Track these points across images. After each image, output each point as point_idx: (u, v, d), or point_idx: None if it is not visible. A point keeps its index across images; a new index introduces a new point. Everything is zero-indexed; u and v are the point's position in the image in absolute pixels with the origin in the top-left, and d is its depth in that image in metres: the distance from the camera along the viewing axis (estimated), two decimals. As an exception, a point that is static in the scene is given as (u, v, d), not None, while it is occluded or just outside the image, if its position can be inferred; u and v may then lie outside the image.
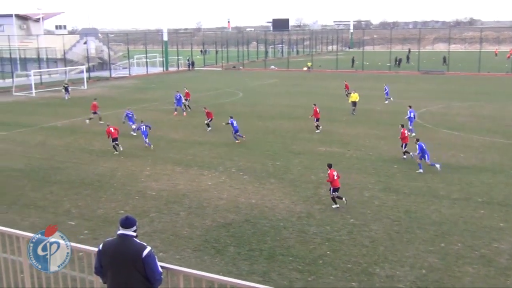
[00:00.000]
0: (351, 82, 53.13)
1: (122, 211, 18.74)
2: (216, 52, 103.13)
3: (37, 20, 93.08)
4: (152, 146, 28.78)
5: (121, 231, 7.10)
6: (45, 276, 8.31)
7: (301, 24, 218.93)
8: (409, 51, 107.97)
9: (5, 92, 57.69)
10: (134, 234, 7.13)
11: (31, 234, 8.01)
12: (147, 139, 28.95)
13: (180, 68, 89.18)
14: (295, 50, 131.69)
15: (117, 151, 27.86)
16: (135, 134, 32.19)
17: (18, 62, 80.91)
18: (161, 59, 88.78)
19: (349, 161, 25.68)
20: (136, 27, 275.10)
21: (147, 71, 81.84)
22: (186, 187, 21.57)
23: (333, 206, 18.87)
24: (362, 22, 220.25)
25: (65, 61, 76.09)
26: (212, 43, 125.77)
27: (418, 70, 77.30)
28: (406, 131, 25.84)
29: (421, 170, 23.17)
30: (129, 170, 24.47)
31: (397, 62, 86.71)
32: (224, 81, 66.82)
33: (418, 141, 23.67)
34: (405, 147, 25.52)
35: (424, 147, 23.26)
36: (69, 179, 23.15)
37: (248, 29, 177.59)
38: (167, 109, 42.85)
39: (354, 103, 38.94)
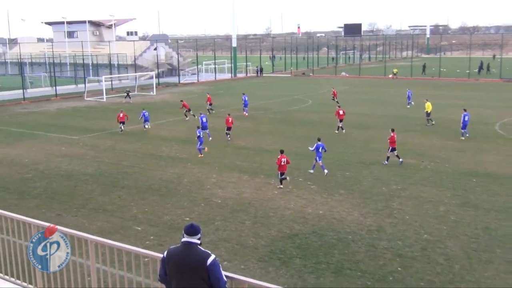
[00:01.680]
0: (423, 89, 51.69)
1: (188, 218, 19.07)
2: (285, 58, 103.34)
3: (110, 27, 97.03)
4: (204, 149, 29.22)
5: (186, 239, 7.20)
6: (111, 280, 8.57)
7: (374, 29, 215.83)
8: (494, 57, 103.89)
9: (78, 97, 60.35)
10: (199, 242, 7.20)
11: (99, 238, 8.29)
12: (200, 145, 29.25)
13: (249, 75, 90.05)
14: (367, 56, 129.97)
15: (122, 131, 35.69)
16: (147, 127, 37.66)
17: (90, 67, 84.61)
18: (230, 65, 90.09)
19: (423, 173, 24.97)
20: (205, 33, 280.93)
21: (215, 77, 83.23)
22: (252, 196, 21.68)
23: (278, 186, 22.67)
24: (440, 27, 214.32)
25: (135, 67, 78.74)
26: (281, 49, 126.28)
27: (500, 78, 74.20)
28: (395, 136, 26.50)
29: None
30: (195, 176, 24.90)
31: (482, 69, 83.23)
32: (293, 88, 66.84)
33: None
34: (391, 150, 26.45)
35: None
36: (137, 184, 23.84)
37: (318, 35, 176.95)
38: (234, 116, 43.30)
39: (428, 113, 37.99)
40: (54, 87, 63.52)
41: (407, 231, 17.58)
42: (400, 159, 26.63)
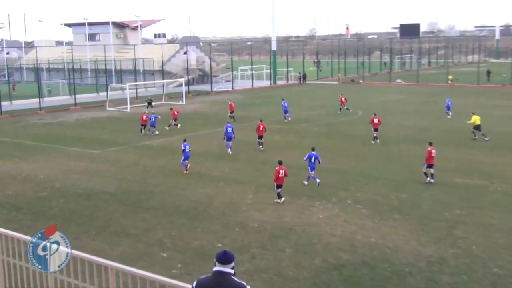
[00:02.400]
0: (485, 98, 50.74)
1: (220, 245, 19.11)
2: (332, 63, 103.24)
3: (135, 28, 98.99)
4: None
5: (218, 268, 7.19)
6: (133, 313, 8.62)
7: (435, 30, 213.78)
8: None
9: (99, 106, 61.56)
10: (232, 271, 7.19)
11: (121, 265, 8.37)
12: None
13: (290, 82, 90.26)
14: (426, 60, 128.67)
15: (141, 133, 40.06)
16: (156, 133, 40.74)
17: (113, 74, 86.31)
18: (269, 71, 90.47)
19: (493, 196, 24.44)
20: (241, 35, 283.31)
21: (252, 85, 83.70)
22: (293, 220, 21.61)
23: (275, 201, 23.80)
24: (511, 27, 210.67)
25: (163, 73, 79.98)
26: (327, 52, 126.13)
27: None
28: (434, 151, 26.56)
29: None
30: (228, 197, 24.99)
31: None
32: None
33: None
34: (427, 167, 26.60)
35: None
36: (163, 205, 24.07)
37: (370, 36, 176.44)
38: (273, 128, 43.38)
39: (477, 127, 37.53)
40: (73, 96, 65.02)
41: (473, 264, 17.19)
42: (430, 179, 26.71)
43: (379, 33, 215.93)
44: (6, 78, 78.63)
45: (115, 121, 50.78)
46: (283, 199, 23.93)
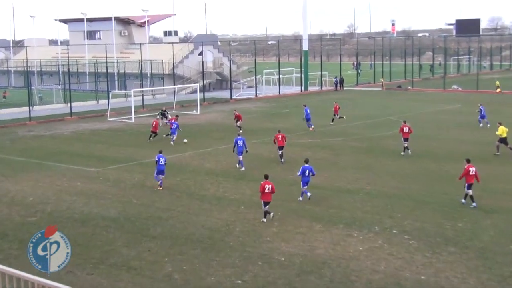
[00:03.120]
0: None
1: (240, 281, 19.07)
2: (375, 65, 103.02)
3: (142, 25, 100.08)
4: None
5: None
6: None
7: (498, 27, 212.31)
8: None
9: (99, 116, 62.14)
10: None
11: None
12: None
13: (324, 88, 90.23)
14: (488, 63, 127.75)
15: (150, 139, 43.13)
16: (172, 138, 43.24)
17: (116, 78, 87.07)
18: (299, 75, 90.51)
19: None
20: (266, 33, 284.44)
21: (279, 92, 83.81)
22: (327, 252, 21.49)
23: (261, 220, 25.08)
24: None
25: (174, 77, 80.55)
26: (369, 53, 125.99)
27: None
28: (472, 169, 27.02)
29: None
30: (250, 224, 24.94)
31: None
32: (385, 106, 66.37)
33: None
34: (468, 188, 27.02)
35: None
36: (173, 233, 24.09)
37: (420, 34, 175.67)
38: (304, 143, 43.33)
39: (503, 140, 38.09)
40: (68, 104, 65.61)
41: (545, 308, 16.87)
42: (464, 200, 27.21)
43: (431, 30, 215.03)
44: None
45: (118, 133, 51.14)
46: (272, 214, 25.33)
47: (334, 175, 33.62)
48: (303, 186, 28.22)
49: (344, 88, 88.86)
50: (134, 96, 62.45)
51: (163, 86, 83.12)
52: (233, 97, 77.63)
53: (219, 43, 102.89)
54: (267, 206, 25.26)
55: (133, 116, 58.40)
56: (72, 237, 23.53)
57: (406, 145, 38.78)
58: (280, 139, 36.90)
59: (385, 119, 55.61)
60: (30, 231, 24.60)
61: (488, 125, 48.54)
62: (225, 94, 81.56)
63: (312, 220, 25.34)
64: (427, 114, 57.83)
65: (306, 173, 28.06)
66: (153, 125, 45.50)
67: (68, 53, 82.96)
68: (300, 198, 28.38)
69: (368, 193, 29.57)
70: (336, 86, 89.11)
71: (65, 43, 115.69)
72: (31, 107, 62.77)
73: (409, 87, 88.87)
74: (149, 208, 27.73)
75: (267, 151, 40.34)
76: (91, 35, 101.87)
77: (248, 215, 26.24)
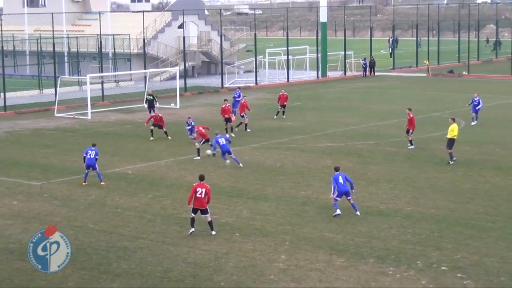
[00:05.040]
0: None
1: (233, 335, 19.11)
2: (418, 43, 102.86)
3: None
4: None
5: None
6: None
7: None
8: None
9: (43, 111, 62.13)
10: None
11: None
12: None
13: (349, 74, 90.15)
14: None
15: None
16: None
17: (66, 59, 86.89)
18: (314, 55, 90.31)
19: None
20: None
21: (288, 78, 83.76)
22: (352, 296, 21.51)
23: (189, 232, 27.29)
24: None
25: (144, 58, 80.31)
26: (409, 27, 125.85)
27: None
28: None
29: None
30: (248, 258, 24.90)
31: None
32: (430, 98, 66.62)
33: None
34: None
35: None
36: (143, 269, 24.03)
37: (479, 1, 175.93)
38: (323, 148, 43.32)
39: (451, 143, 39.16)
40: (1, 94, 65.29)
41: None
42: None
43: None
44: None
45: (69, 135, 51.12)
46: (212, 231, 27.20)
47: (363, 192, 33.52)
48: (340, 197, 29.21)
49: (376, 74, 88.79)
50: (91, 83, 62.44)
51: (130, 70, 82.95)
52: (225, 85, 77.49)
53: (206, 13, 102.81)
54: (204, 216, 27.00)
55: (89, 110, 58.28)
56: (7, 275, 23.65)
57: (408, 137, 42.77)
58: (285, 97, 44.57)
59: (430, 115, 55.57)
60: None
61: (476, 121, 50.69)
62: (214, 81, 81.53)
63: (332, 252, 25.28)
64: (489, 110, 57.82)
65: (341, 181, 29.12)
66: (157, 117, 47.12)
67: (1, 25, 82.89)
68: (337, 212, 29.20)
69: (408, 216, 29.51)
70: (365, 70, 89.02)
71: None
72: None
73: (464, 72, 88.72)
74: (111, 236, 27.68)
75: (271, 159, 40.33)
76: (33, 1, 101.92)
77: (245, 245, 26.19)
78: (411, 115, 42.98)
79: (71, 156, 43.09)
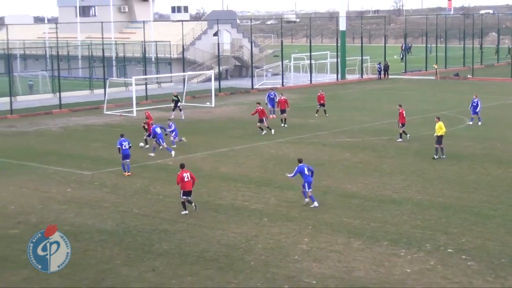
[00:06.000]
0: None
1: (262, 308, 19.09)
2: (429, 49, 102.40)
3: (145, 0, 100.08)
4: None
5: None
6: None
7: None
8: None
9: (94, 109, 62.43)
10: None
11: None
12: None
13: (365, 76, 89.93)
14: None
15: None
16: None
17: (114, 63, 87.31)
18: (335, 60, 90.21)
19: None
20: (295, 10, 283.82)
21: (310, 80, 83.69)
22: (368, 275, 21.50)
23: (182, 213, 28.24)
24: None
25: (183, 62, 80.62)
26: (419, 34, 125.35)
27: None
28: None
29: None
30: (275, 240, 24.98)
31: None
32: (439, 99, 66.20)
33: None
34: None
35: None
36: (181, 250, 24.20)
37: (483, 11, 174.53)
38: (342, 143, 43.28)
39: (439, 139, 38.59)
40: (57, 94, 66.08)
41: None
42: None
43: (496, 6, 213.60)
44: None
45: (116, 130, 51.12)
46: (194, 204, 28.53)
47: (377, 182, 33.52)
48: (308, 188, 29.17)
49: (390, 77, 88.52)
50: (136, 85, 62.60)
51: (171, 73, 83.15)
52: (254, 87, 77.49)
53: (238, 22, 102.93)
54: (190, 197, 28.37)
55: (134, 108, 58.53)
56: (62, 254, 23.80)
57: (401, 131, 43.45)
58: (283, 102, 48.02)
59: (439, 114, 55.24)
60: (11, 246, 24.90)
61: (470, 122, 50.01)
62: (245, 83, 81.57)
63: (350, 235, 25.33)
64: (490, 109, 57.40)
65: (306, 172, 29.18)
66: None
67: (56, 33, 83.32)
68: (307, 200, 29.43)
69: (418, 203, 29.47)
70: (380, 74, 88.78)
71: (53, 21, 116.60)
72: (12, 98, 62.86)
73: (469, 76, 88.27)
74: (154, 220, 27.87)
75: (295, 153, 40.30)
76: (85, 11, 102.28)
77: (272, 229, 26.28)
78: (401, 110, 43.27)
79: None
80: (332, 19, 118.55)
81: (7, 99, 62.27)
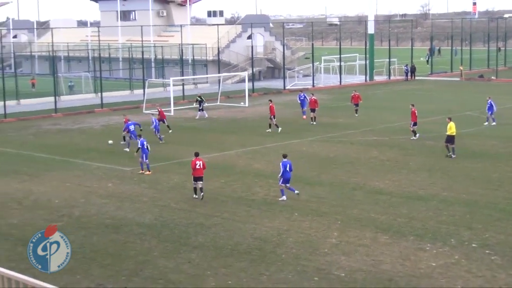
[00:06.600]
0: None
1: (293, 299, 19.09)
2: (453, 52, 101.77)
3: (183, 4, 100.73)
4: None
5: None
6: None
7: None
8: None
9: (134, 108, 62.64)
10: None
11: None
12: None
13: (393, 78, 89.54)
14: None
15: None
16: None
17: (153, 65, 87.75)
18: (363, 62, 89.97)
19: None
20: (325, 13, 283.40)
21: (340, 81, 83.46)
22: (394, 268, 21.42)
23: (194, 196, 29.92)
24: None
25: (218, 64, 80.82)
26: (445, 37, 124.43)
27: None
28: None
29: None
30: (305, 234, 24.98)
31: None
32: (464, 99, 65.80)
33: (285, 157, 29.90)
34: None
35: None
36: (216, 243, 24.28)
37: (507, 15, 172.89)
38: (369, 141, 43.16)
39: (450, 139, 38.43)
40: (99, 94, 66.66)
41: None
42: None
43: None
44: (13, 70, 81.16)
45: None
46: (202, 194, 29.57)
47: (404, 179, 33.40)
48: (285, 183, 29.41)
49: (416, 78, 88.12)
50: (174, 85, 62.84)
51: (207, 74, 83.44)
52: (286, 87, 77.55)
53: (271, 25, 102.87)
54: (200, 183, 29.69)
55: (172, 108, 58.76)
56: (103, 246, 24.08)
57: (414, 128, 43.67)
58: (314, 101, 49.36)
59: (464, 114, 54.94)
60: (55, 238, 25.11)
61: (486, 123, 49.62)
62: (277, 83, 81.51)
63: (377, 230, 25.26)
64: (514, 109, 57.07)
65: (288, 169, 29.40)
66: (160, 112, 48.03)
67: (99, 36, 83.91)
68: (284, 197, 29.45)
69: (443, 200, 29.31)
70: (407, 75, 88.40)
71: (95, 24, 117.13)
72: (57, 98, 63.59)
73: (493, 77, 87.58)
74: (190, 214, 27.98)
75: (325, 151, 40.30)
76: (125, 15, 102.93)
77: (303, 224, 26.27)
78: (413, 109, 43.66)
79: (156, 146, 43.49)
80: (361, 22, 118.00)
81: (52, 98, 63.12)
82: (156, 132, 44.05)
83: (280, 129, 46.88)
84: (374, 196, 30.16)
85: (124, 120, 44.09)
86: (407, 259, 22.23)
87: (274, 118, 47.51)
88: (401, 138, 44.22)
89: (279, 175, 29.53)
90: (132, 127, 41.40)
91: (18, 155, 41.74)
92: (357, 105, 54.70)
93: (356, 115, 53.90)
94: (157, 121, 44.77)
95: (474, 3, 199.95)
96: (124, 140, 42.81)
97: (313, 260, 22.23)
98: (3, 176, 35.76)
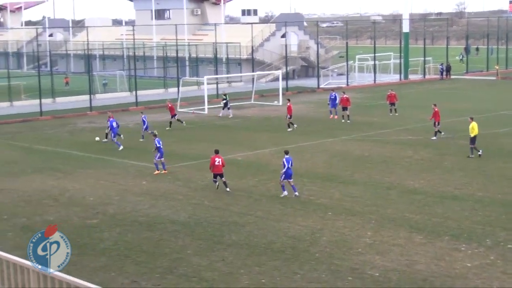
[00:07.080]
0: None
1: (326, 298, 19.04)
2: (489, 50, 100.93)
3: (217, 3, 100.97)
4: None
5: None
6: None
7: None
8: None
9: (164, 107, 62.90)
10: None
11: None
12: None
13: (428, 76, 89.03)
14: None
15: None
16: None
17: (187, 63, 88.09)
18: (398, 61, 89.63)
19: None
20: (360, 12, 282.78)
21: (374, 80, 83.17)
22: (429, 269, 21.29)
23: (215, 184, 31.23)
24: None
25: (252, 63, 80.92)
26: (481, 36, 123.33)
27: None
28: None
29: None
30: (339, 233, 24.92)
31: None
32: (500, 98, 65.18)
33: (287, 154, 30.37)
34: None
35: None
36: (250, 241, 24.30)
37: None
38: (404, 140, 42.95)
39: (473, 139, 37.95)
40: (134, 92, 66.93)
41: None
42: None
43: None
44: (49, 68, 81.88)
45: (188, 126, 51.69)
46: (228, 188, 30.70)
47: (438, 179, 33.17)
48: (287, 179, 29.83)
49: (452, 77, 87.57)
50: (208, 84, 63.00)
51: (241, 72, 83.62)
52: (320, 86, 77.39)
53: (305, 24, 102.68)
54: (217, 178, 30.88)
55: (206, 106, 58.94)
56: (137, 243, 24.22)
57: (438, 129, 43.22)
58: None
59: (499, 113, 54.53)
60: (90, 235, 25.34)
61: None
62: (311, 82, 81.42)
63: (412, 230, 25.10)
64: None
65: (290, 165, 29.83)
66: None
67: (133, 34, 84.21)
68: (285, 193, 29.91)
69: (479, 200, 29.07)
70: (442, 74, 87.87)
71: (130, 23, 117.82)
72: (92, 96, 64.14)
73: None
74: (223, 212, 28.02)
75: (359, 150, 40.16)
76: (160, 14, 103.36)
77: (337, 223, 26.20)
78: (436, 109, 43.48)
79: (191, 144, 43.79)
80: (396, 21, 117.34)
81: (87, 96, 63.70)
82: (146, 129, 44.99)
83: (290, 129, 47.37)
84: (408, 196, 30.00)
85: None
86: (442, 259, 22.07)
87: (290, 117, 47.83)
88: (435, 137, 43.94)
89: (282, 171, 29.81)
90: (114, 124, 42.87)
91: (54, 153, 42.15)
92: (393, 104, 54.49)
93: (391, 114, 53.66)
94: (146, 120, 45.21)
95: (510, 2, 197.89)
96: (106, 138, 44.21)
97: (347, 260, 22.16)
98: (39, 173, 36.17)
